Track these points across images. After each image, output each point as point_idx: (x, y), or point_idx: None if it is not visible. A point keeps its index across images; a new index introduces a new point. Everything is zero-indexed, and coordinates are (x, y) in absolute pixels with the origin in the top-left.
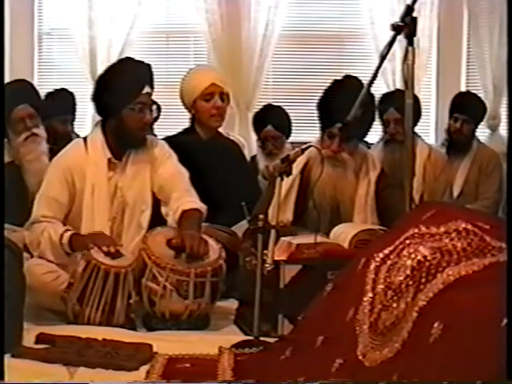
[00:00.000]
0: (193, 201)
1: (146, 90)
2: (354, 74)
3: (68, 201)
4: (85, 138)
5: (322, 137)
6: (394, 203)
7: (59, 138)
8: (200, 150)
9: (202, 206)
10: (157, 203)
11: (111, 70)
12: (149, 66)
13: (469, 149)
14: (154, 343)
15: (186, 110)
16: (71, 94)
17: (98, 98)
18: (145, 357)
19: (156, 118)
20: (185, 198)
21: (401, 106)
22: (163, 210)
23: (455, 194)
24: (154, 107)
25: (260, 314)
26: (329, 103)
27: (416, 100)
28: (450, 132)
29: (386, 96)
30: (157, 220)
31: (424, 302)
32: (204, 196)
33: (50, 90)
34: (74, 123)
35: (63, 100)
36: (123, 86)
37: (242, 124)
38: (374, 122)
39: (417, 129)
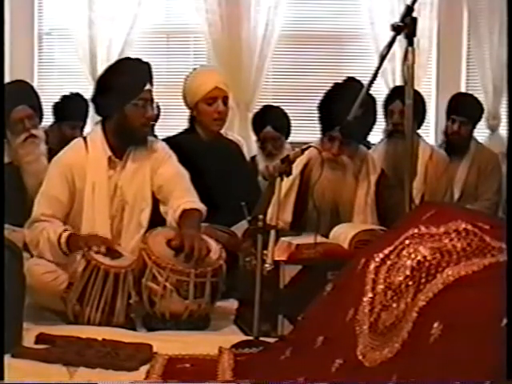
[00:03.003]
0: (193, 200)
1: (148, 86)
2: (354, 74)
3: (68, 199)
4: (85, 138)
5: (322, 139)
6: (394, 204)
7: (65, 142)
8: (200, 150)
9: (202, 207)
10: (156, 202)
11: (111, 69)
12: (148, 64)
13: (467, 150)
14: (153, 343)
15: (185, 110)
16: (85, 100)
17: (99, 97)
18: (145, 357)
19: (156, 118)
20: (185, 197)
21: None
22: (162, 208)
23: (456, 196)
24: (155, 104)
25: (260, 314)
26: (330, 106)
27: (422, 101)
28: (448, 134)
29: (395, 89)
30: (156, 219)
31: (424, 302)
32: (204, 196)
33: (66, 94)
34: (84, 129)
35: (77, 105)
36: (126, 84)
37: (242, 124)
38: (375, 125)
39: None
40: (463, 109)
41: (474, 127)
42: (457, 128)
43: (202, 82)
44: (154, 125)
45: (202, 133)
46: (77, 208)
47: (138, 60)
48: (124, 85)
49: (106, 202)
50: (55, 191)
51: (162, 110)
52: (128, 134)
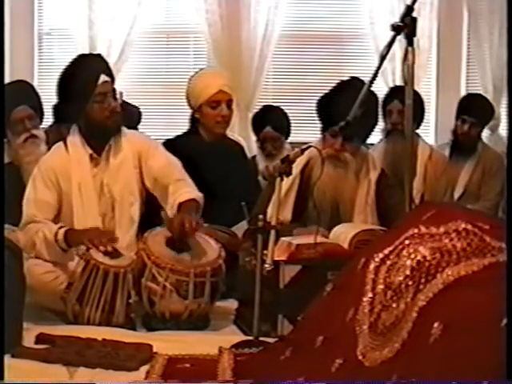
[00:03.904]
0: (189, 191)
1: (103, 79)
2: (354, 74)
3: (57, 202)
4: (65, 140)
5: (323, 136)
6: (394, 203)
7: None
8: (203, 151)
9: (199, 195)
10: (150, 197)
11: (64, 73)
12: (100, 56)
13: (474, 150)
14: (153, 343)
15: (186, 110)
16: None
17: (60, 104)
18: (145, 357)
19: (138, 120)
20: (180, 189)
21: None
22: (163, 213)
23: (458, 194)
24: (118, 94)
25: (260, 314)
26: (332, 103)
27: (420, 101)
28: (457, 133)
29: (392, 90)
30: (155, 219)
31: (424, 302)
32: (205, 197)
33: None
34: None
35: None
36: (79, 83)
37: (242, 124)
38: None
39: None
40: (474, 110)
41: (483, 128)
42: (467, 128)
43: (205, 84)
44: (137, 123)
45: (204, 134)
46: (66, 210)
47: (89, 55)
48: (78, 85)
49: (94, 200)
50: (42, 195)
51: (162, 110)
52: (98, 130)
